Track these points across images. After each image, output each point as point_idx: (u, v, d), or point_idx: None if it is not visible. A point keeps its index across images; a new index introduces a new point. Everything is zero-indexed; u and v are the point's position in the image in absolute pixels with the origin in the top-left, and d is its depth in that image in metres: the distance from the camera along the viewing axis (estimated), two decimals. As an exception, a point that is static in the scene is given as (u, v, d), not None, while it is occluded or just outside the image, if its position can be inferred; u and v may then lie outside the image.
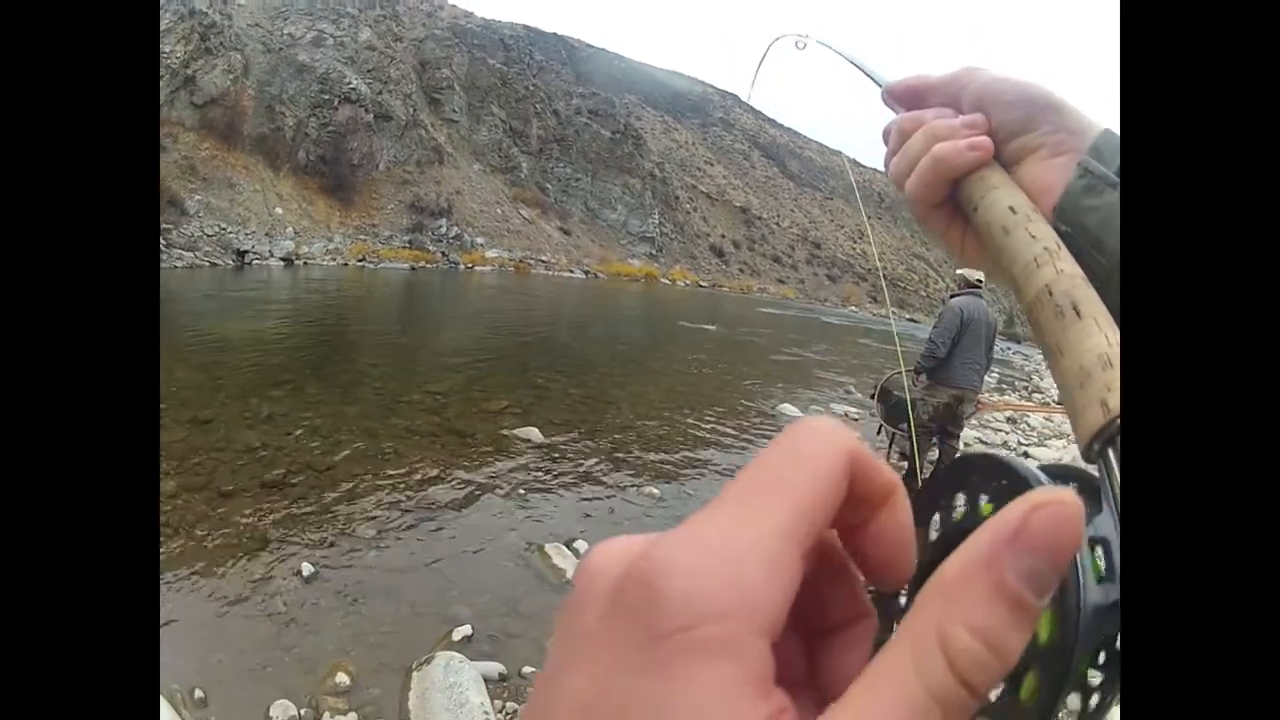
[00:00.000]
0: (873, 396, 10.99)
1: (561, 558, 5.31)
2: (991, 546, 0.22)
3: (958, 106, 0.64)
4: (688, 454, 8.80)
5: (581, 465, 7.71)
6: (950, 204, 0.63)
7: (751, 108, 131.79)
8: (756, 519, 0.23)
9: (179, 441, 7.15)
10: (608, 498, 6.90)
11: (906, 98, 0.68)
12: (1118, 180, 0.54)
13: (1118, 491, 0.33)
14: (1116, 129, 0.53)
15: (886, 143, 0.68)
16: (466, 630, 4.41)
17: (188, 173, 39.00)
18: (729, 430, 10.41)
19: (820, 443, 0.25)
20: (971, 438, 11.94)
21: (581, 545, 5.58)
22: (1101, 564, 0.31)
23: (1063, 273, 0.47)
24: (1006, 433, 13.38)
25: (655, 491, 7.10)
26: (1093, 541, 0.32)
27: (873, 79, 0.78)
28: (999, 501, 0.33)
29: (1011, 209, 0.55)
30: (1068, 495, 0.22)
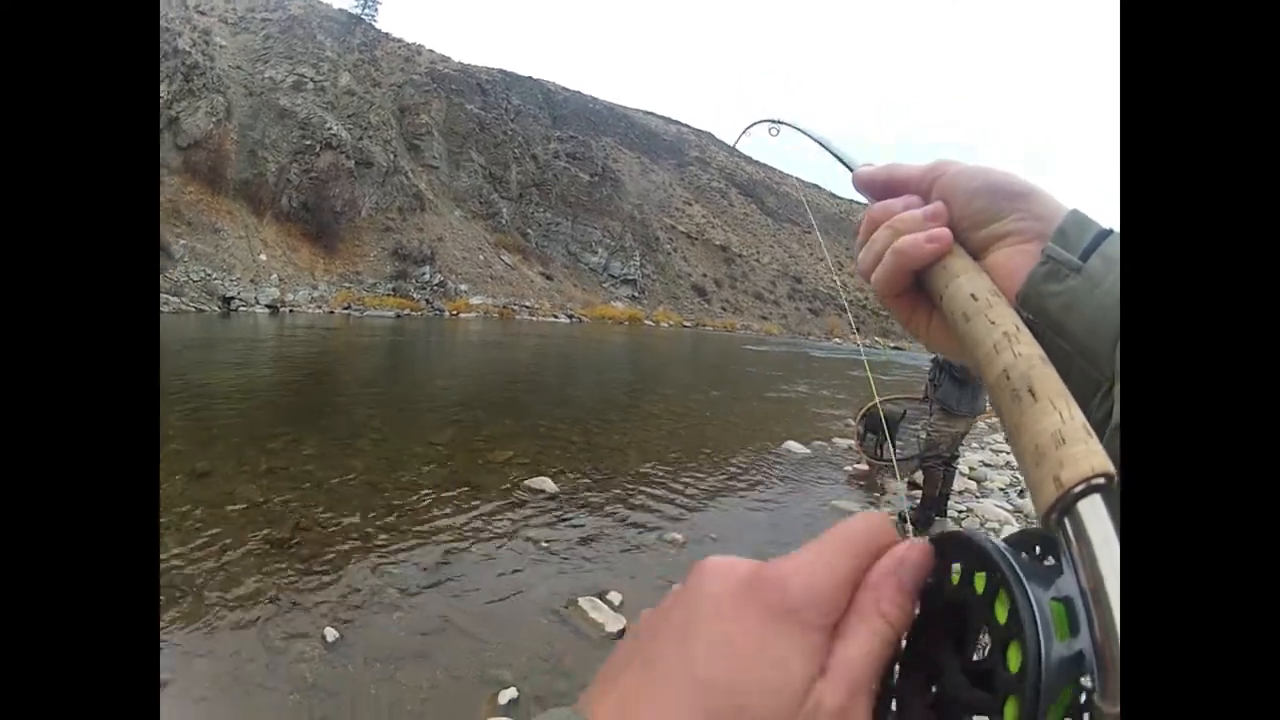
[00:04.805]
0: (861, 434, 10.99)
1: (597, 611, 5.10)
2: (890, 563, 0.40)
3: (928, 197, 0.65)
4: (702, 497, 8.63)
5: (598, 514, 7.52)
6: (914, 293, 0.65)
7: (726, 145, 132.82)
8: (839, 565, 0.40)
9: (178, 495, 6.93)
10: (631, 547, 6.70)
11: (876, 188, 0.70)
12: (1080, 264, 0.56)
13: (1076, 555, 0.37)
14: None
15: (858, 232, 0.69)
16: (512, 693, 4.18)
17: (172, 216, 38.92)
18: (738, 471, 10.27)
19: (879, 537, 0.41)
20: (975, 460, 11.93)
21: (615, 597, 5.38)
22: (1065, 619, 0.35)
23: (1020, 356, 0.49)
24: (1007, 452, 13.39)
25: (678, 537, 6.93)
26: (1056, 600, 0.36)
27: (844, 162, 0.82)
28: (979, 571, 0.40)
29: (973, 296, 0.57)
30: (918, 543, 0.41)
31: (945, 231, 0.61)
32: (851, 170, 0.75)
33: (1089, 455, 0.41)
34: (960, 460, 9.12)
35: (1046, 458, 0.42)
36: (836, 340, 75.19)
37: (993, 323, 0.53)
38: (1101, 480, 0.39)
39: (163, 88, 41.57)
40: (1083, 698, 0.34)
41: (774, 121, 1.31)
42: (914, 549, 0.41)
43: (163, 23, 43.25)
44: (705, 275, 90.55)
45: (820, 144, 0.95)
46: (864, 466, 10.92)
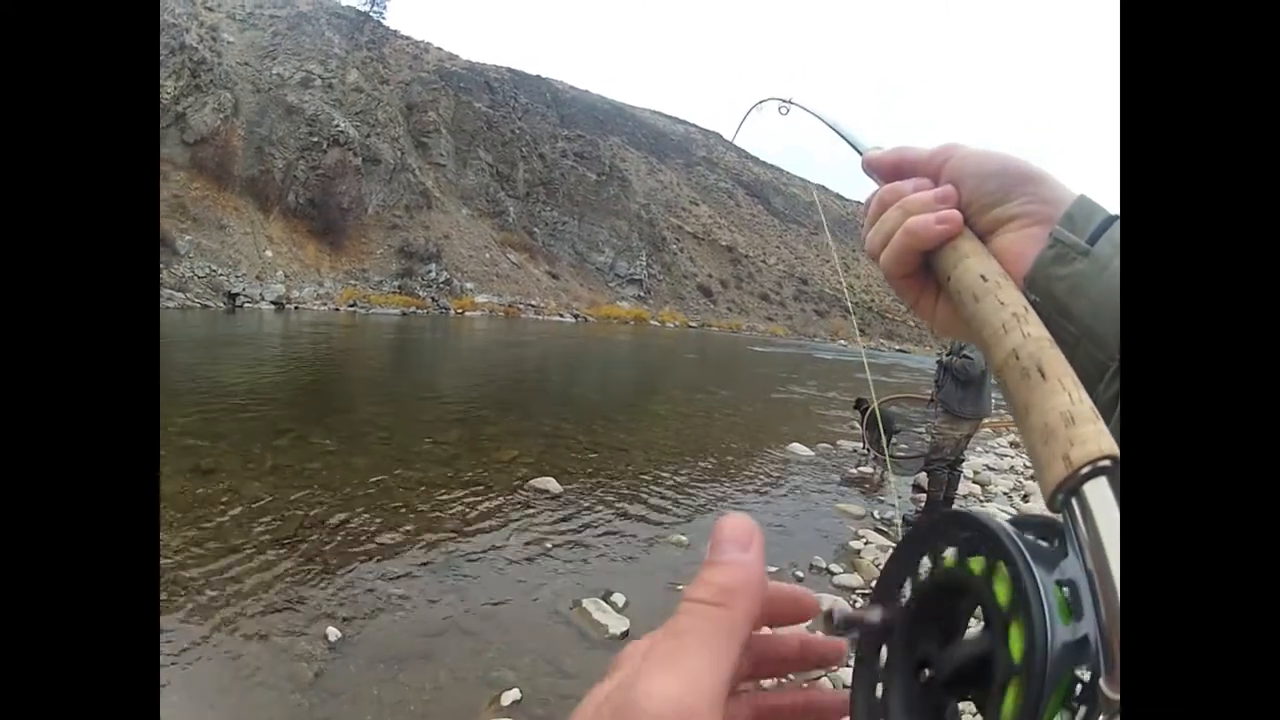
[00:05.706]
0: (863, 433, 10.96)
1: (601, 613, 5.08)
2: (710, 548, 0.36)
3: (937, 179, 0.65)
4: (707, 499, 8.61)
5: (603, 515, 7.49)
6: (922, 274, 0.65)
7: (734, 146, 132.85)
8: (700, 676, 0.32)
9: (180, 492, 6.91)
10: (636, 548, 6.68)
11: (885, 169, 0.70)
12: (1088, 248, 0.56)
13: (1082, 537, 0.36)
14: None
15: (867, 212, 0.70)
16: (515, 695, 4.16)
17: (178, 211, 39.01)
18: (743, 472, 10.24)
19: (744, 602, 0.36)
20: (979, 464, 11.89)
21: (619, 598, 5.36)
22: (1068, 603, 0.34)
23: (1029, 336, 0.50)
24: (1012, 457, 13.40)
25: (683, 538, 6.90)
26: (1059, 583, 0.35)
27: (853, 145, 0.81)
28: (976, 553, 0.38)
29: (983, 277, 0.57)
30: (737, 516, 0.38)
31: (955, 213, 0.62)
32: (860, 153, 0.75)
33: (1098, 436, 0.41)
34: (964, 464, 9.12)
35: (1056, 436, 0.42)
36: (842, 342, 75.12)
37: (1002, 303, 0.53)
38: (1108, 463, 0.39)
39: (170, 84, 41.70)
40: (1078, 687, 0.33)
41: (784, 101, 1.30)
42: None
43: (170, 18, 43.42)
44: (711, 276, 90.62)
45: (830, 126, 0.95)
46: (866, 469, 10.96)
